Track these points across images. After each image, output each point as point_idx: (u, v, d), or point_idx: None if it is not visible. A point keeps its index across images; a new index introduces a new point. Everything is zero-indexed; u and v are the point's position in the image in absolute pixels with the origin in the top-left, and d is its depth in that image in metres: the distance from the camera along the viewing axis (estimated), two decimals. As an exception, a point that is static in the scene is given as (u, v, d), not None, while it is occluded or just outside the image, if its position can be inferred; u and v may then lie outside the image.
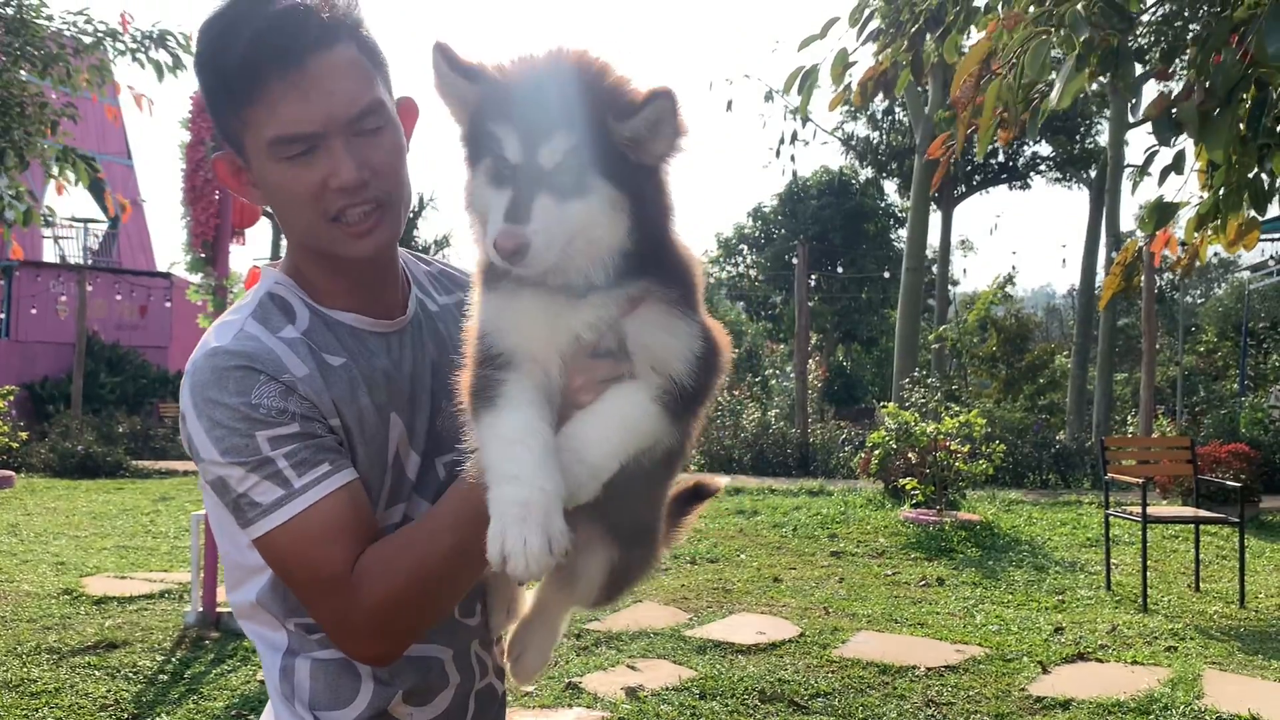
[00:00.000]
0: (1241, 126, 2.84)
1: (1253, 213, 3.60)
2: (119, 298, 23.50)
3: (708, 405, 1.30)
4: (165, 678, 5.23)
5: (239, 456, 1.28)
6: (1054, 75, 2.88)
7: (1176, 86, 3.08)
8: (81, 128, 8.31)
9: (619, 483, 1.20)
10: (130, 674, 5.25)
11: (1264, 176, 3.53)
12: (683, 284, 1.22)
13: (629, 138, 1.15)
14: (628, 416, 1.18)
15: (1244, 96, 2.74)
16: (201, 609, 6.13)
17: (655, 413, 1.19)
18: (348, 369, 1.39)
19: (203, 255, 6.12)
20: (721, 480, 1.78)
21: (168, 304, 23.76)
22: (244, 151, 1.36)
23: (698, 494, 1.71)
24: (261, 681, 5.13)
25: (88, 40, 6.95)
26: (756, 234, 34.58)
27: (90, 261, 25.83)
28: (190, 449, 1.35)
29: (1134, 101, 3.02)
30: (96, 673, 5.25)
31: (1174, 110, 2.85)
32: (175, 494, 12.70)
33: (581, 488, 1.15)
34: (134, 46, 6.88)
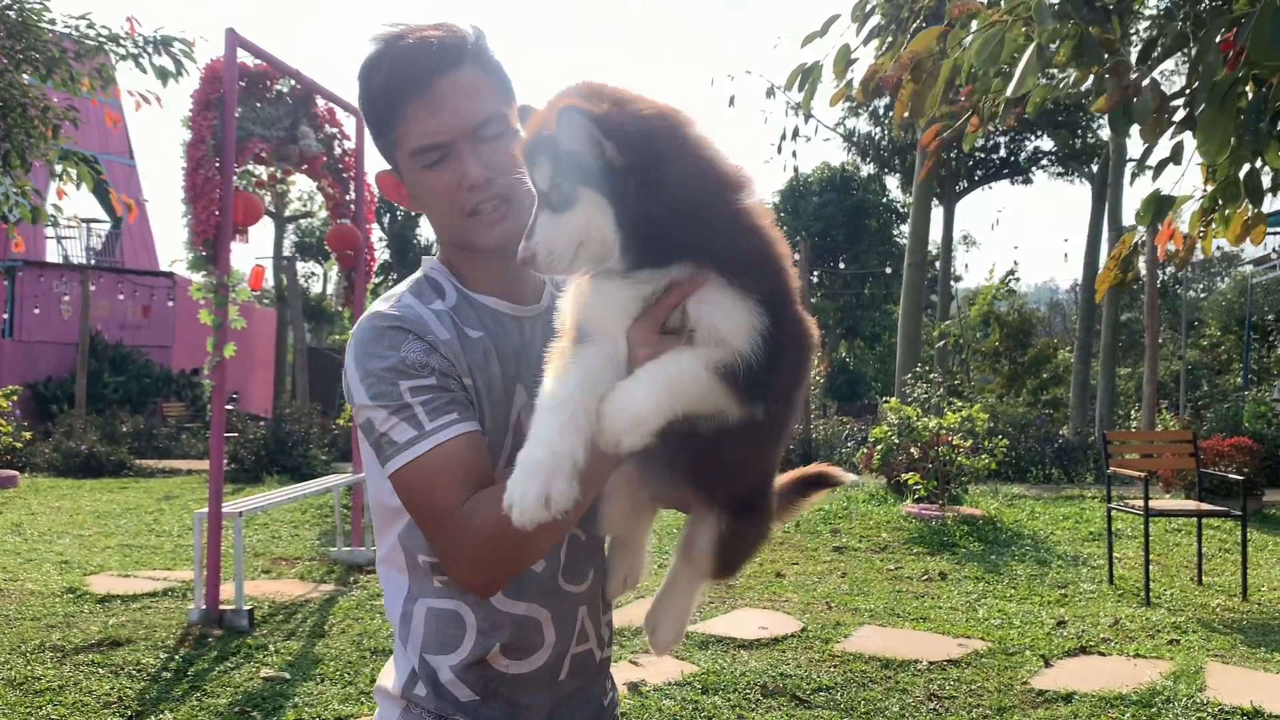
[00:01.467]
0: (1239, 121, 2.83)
1: (1252, 206, 3.60)
2: (122, 297, 23.52)
3: (792, 385, 1.39)
4: (169, 675, 5.25)
5: (384, 400, 1.50)
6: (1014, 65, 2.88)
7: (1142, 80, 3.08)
8: (84, 129, 8.33)
9: (708, 453, 1.36)
10: (134, 671, 5.27)
11: (1265, 169, 3.53)
12: (747, 268, 1.31)
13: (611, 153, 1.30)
14: (676, 376, 1.26)
15: (1243, 92, 2.74)
16: (205, 606, 6.14)
17: (708, 379, 1.27)
18: (483, 341, 1.61)
19: (204, 253, 6.12)
20: (849, 476, 1.86)
21: (170, 303, 23.78)
22: (398, 167, 1.62)
23: (820, 481, 1.81)
24: (265, 679, 5.15)
25: (90, 44, 6.96)
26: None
27: (93, 261, 25.87)
28: (348, 397, 1.57)
29: (1090, 97, 3.02)
30: (100, 670, 5.26)
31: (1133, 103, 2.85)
32: (179, 493, 12.72)
33: (624, 435, 1.23)
34: (136, 52, 6.89)
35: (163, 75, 6.72)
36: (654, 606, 1.68)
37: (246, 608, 6.18)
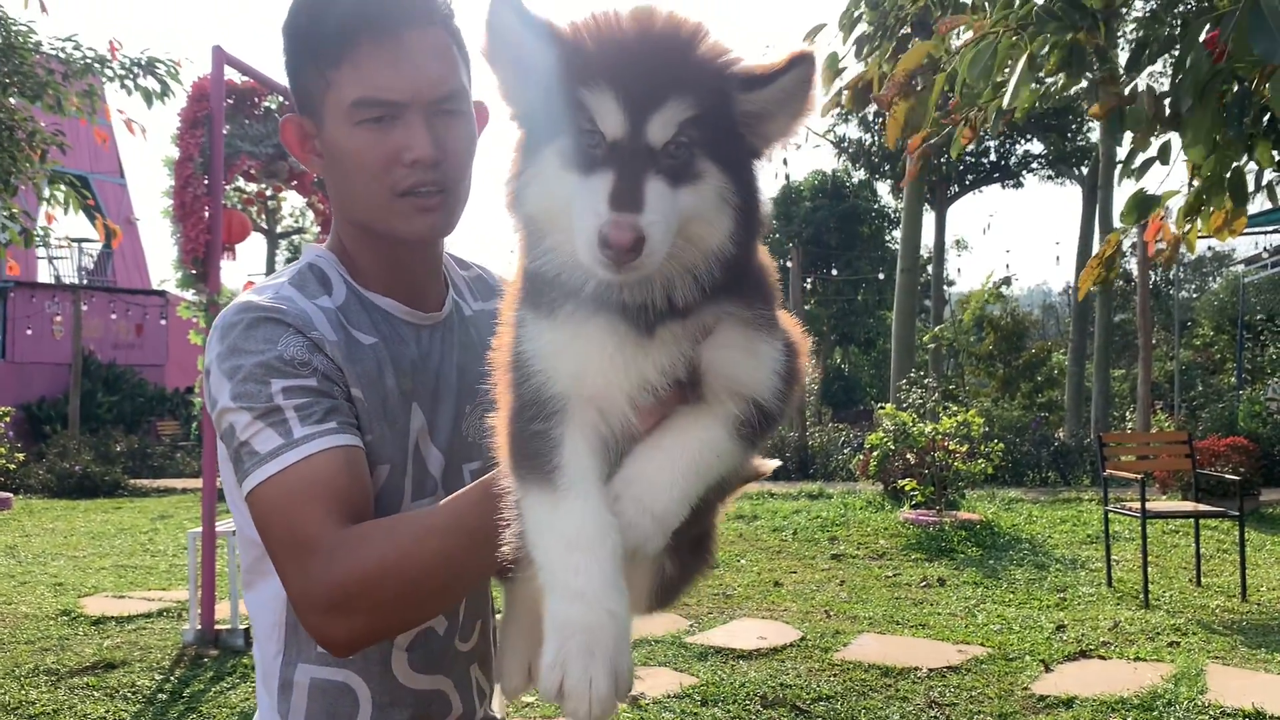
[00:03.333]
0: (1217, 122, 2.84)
1: (1235, 204, 3.60)
2: (114, 316, 23.47)
3: (789, 414, 1.15)
4: (164, 697, 5.21)
5: (249, 402, 1.25)
6: (1005, 76, 2.89)
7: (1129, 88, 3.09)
8: (74, 147, 8.31)
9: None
10: (129, 694, 5.23)
11: (1251, 166, 3.54)
12: (762, 295, 1.06)
13: (754, 111, 0.99)
14: (700, 455, 1.02)
15: (1224, 89, 2.74)
16: (200, 626, 6.10)
17: (731, 448, 1.04)
18: (377, 349, 1.37)
19: (194, 272, 6.10)
20: (770, 463, 1.47)
21: (163, 322, 23.73)
22: (319, 114, 1.35)
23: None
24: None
25: (77, 66, 6.94)
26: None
27: (85, 281, 25.83)
28: (208, 401, 1.32)
29: (1081, 101, 3.02)
30: (95, 693, 5.22)
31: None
32: (174, 512, 12.67)
33: (648, 540, 1.00)
34: (122, 73, 6.87)
35: (148, 97, 6.70)
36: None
37: (242, 626, 6.14)
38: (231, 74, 6.59)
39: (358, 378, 1.33)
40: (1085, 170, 24.58)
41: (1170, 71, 2.83)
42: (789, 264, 18.05)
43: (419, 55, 1.30)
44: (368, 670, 1.37)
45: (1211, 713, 4.76)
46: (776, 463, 1.48)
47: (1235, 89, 2.91)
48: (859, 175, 31.75)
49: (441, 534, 1.17)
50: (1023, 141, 26.98)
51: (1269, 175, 3.75)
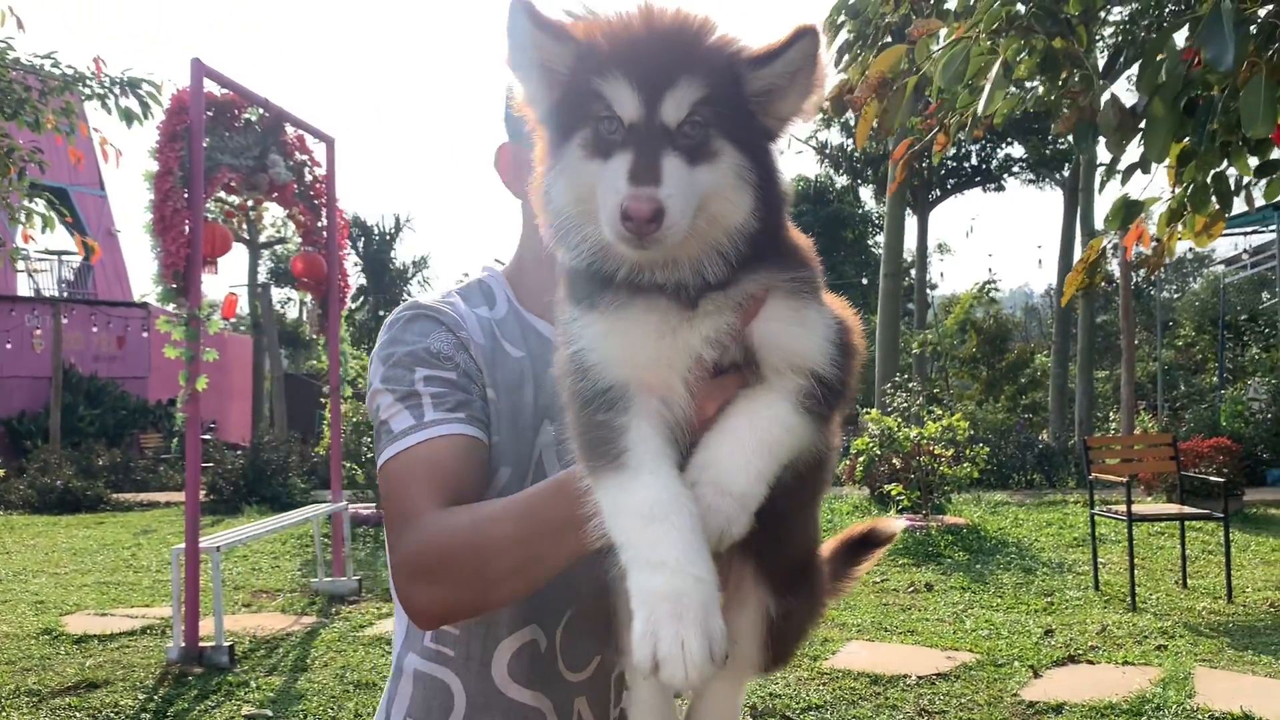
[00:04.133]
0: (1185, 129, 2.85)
1: (1222, 210, 3.62)
2: (95, 329, 23.30)
3: (851, 397, 1.13)
4: (148, 716, 5.15)
5: (393, 385, 1.37)
6: (979, 82, 2.89)
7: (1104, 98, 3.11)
8: (53, 159, 8.24)
9: (763, 504, 1.04)
10: (111, 714, 5.16)
11: (1231, 172, 3.55)
12: (803, 267, 1.08)
13: (763, 89, 1.02)
14: (770, 431, 1.03)
15: (1195, 96, 2.75)
16: (184, 644, 6.04)
17: (799, 422, 1.04)
18: (522, 362, 1.46)
19: (174, 286, 6.05)
20: (898, 524, 1.52)
21: (145, 334, 23.57)
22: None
23: (870, 540, 1.50)
24: (246, 717, 5.06)
25: (55, 84, 6.86)
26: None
27: (65, 293, 25.64)
28: (368, 384, 1.45)
29: (1060, 113, 3.01)
30: (77, 714, 5.16)
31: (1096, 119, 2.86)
32: (157, 526, 12.57)
33: (732, 523, 1.00)
34: (101, 92, 6.79)
35: (128, 117, 6.62)
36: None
37: (227, 643, 6.09)
38: (211, 86, 6.55)
39: (496, 382, 1.43)
40: (1066, 174, 24.71)
41: (1137, 76, 2.83)
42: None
43: None
44: (467, 670, 1.44)
45: (1200, 716, 4.77)
46: (904, 522, 1.45)
47: (1204, 96, 2.92)
48: (842, 180, 31.83)
49: (516, 519, 1.21)
50: (1004, 145, 27.11)
51: (1247, 180, 3.77)
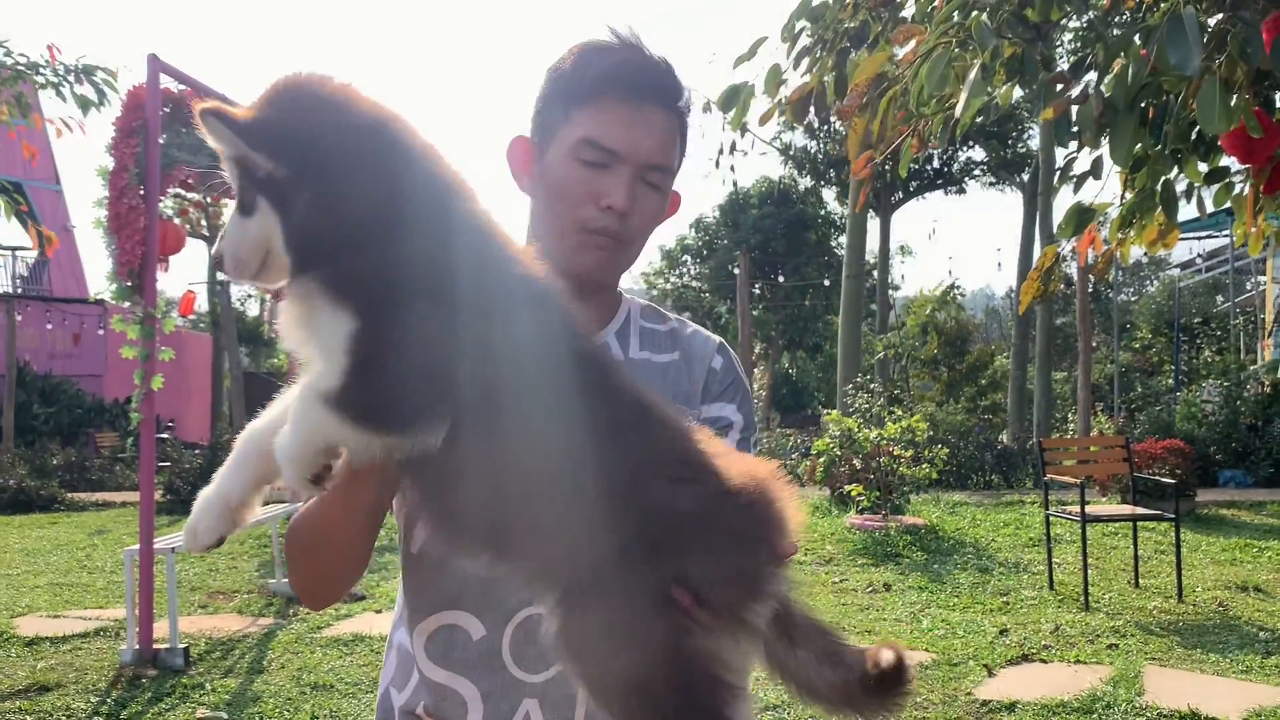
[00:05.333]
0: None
1: (1166, 216, 3.68)
2: (50, 326, 22.97)
3: (439, 415, 1.10)
4: (100, 719, 5.09)
5: None
6: (958, 86, 2.92)
7: (1077, 90, 3.14)
8: (8, 154, 8.12)
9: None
10: (63, 717, 5.10)
11: (1181, 180, 3.62)
12: (336, 267, 1.12)
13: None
14: (295, 408, 1.15)
15: (1148, 104, 2.80)
16: (138, 646, 5.97)
17: (315, 405, 1.10)
18: None
19: (129, 284, 5.97)
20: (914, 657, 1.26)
21: (101, 332, 23.26)
22: (547, 142, 1.51)
23: (894, 675, 1.21)
24: (200, 719, 5.01)
25: (7, 74, 6.76)
26: (699, 245, 34.74)
27: (20, 290, 25.23)
28: None
29: (1023, 109, 3.03)
30: (28, 718, 5.08)
31: (1074, 112, 2.89)
32: (112, 527, 12.40)
33: (284, 472, 1.17)
34: (56, 80, 6.70)
35: (84, 105, 6.54)
36: None
37: (182, 645, 6.03)
38: (168, 82, 6.47)
39: None
40: (1025, 177, 25.00)
41: (1097, 80, 2.88)
42: (737, 270, 18.13)
43: (650, 126, 1.48)
44: (415, 645, 1.53)
45: (1149, 714, 4.85)
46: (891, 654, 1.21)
47: (1161, 101, 2.97)
48: (806, 182, 32.00)
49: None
50: (965, 149, 27.38)
51: (1197, 187, 3.84)
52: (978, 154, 27.67)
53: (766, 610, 1.16)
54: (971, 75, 2.74)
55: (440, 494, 1.18)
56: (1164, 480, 8.36)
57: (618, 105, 1.46)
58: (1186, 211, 3.88)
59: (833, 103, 4.03)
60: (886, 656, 1.22)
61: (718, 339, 1.69)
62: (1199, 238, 19.70)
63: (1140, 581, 7.79)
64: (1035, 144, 22.83)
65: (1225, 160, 3.49)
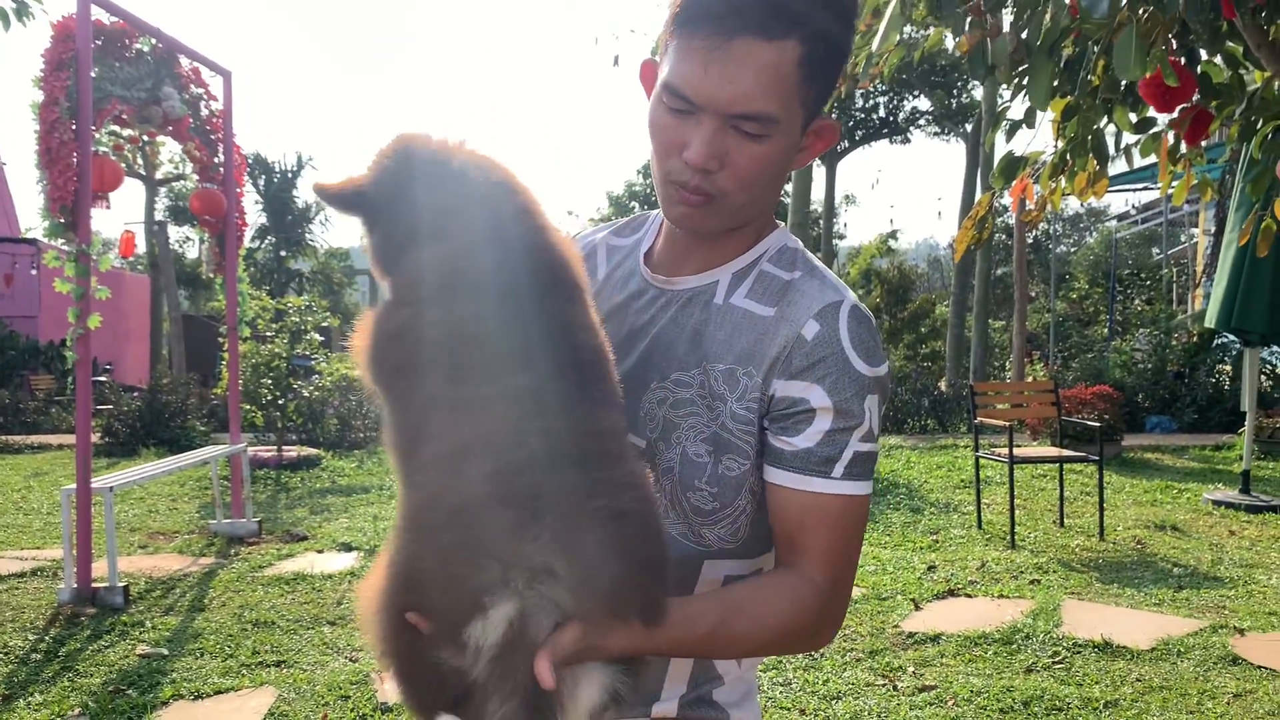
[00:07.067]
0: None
1: (1097, 163, 3.80)
2: (-20, 266, 22.37)
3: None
4: (39, 657, 5.10)
5: None
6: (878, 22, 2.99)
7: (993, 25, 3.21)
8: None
9: None
10: (1, 654, 5.10)
11: (1112, 129, 3.73)
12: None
13: None
14: None
15: (1070, 48, 2.88)
16: (76, 585, 5.96)
17: None
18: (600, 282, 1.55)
19: (62, 220, 5.87)
20: None
21: (34, 272, 22.71)
22: (661, 66, 1.34)
23: None
24: (141, 655, 5.05)
25: None
26: (647, 190, 34.61)
27: (-53, 228, 24.50)
28: None
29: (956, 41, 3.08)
30: (-35, 655, 5.08)
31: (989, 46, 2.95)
32: (49, 469, 12.25)
33: None
34: None
35: (3, 17, 6.30)
36: None
37: (121, 584, 6.03)
38: (100, 14, 6.32)
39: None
40: (969, 128, 25.23)
41: (1013, 19, 2.94)
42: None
43: (736, 67, 1.22)
44: None
45: (1065, 644, 5.07)
46: None
47: (1083, 49, 3.06)
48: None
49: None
50: (910, 98, 27.50)
51: (1126, 139, 3.95)
52: (923, 103, 27.83)
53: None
54: (890, 10, 2.80)
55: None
56: (1090, 424, 8.62)
57: (701, 43, 1.24)
58: (1120, 165, 4.00)
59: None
60: None
61: (834, 299, 1.36)
62: (1135, 189, 20.05)
63: (1065, 521, 8.07)
64: (979, 94, 23.01)
65: (1153, 111, 3.59)
